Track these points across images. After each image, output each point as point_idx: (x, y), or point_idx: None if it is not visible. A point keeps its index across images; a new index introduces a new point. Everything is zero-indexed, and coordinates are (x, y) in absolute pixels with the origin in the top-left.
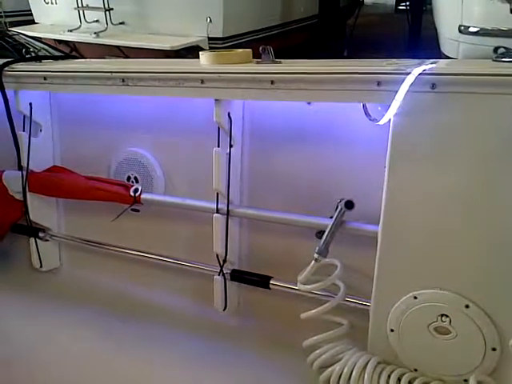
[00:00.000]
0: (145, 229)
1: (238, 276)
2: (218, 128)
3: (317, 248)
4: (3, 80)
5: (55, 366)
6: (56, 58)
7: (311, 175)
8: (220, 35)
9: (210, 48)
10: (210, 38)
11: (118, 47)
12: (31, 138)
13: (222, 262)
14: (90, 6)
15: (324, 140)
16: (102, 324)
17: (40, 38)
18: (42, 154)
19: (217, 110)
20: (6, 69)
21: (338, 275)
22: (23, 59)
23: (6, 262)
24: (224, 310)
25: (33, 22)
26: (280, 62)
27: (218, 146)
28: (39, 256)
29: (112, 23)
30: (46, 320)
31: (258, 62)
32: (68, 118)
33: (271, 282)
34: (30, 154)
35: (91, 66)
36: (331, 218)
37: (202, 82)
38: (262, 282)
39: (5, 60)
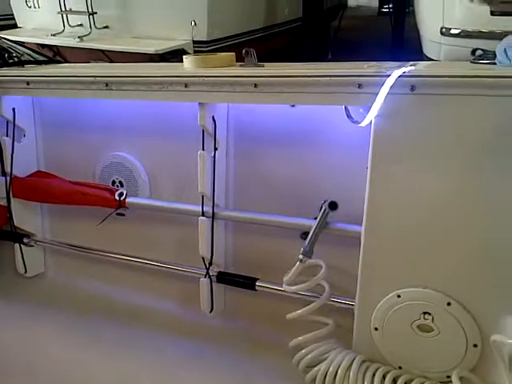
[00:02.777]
0: (130, 233)
1: (224, 278)
2: (203, 131)
3: (301, 249)
4: None
5: (41, 372)
6: (39, 63)
7: (295, 177)
8: (205, 38)
9: (195, 51)
10: (194, 42)
11: (102, 51)
12: (15, 143)
13: (207, 265)
14: (73, 10)
15: (308, 142)
16: (87, 329)
17: (23, 42)
18: (25, 159)
19: (201, 114)
20: None
21: (323, 276)
22: (5, 64)
23: None
24: (210, 311)
25: (15, 26)
26: (263, 66)
27: (203, 149)
28: (24, 262)
29: (96, 27)
30: (31, 325)
31: (241, 66)
32: (52, 123)
33: (257, 283)
34: (13, 159)
35: (74, 71)
36: (315, 219)
37: (186, 85)
38: (248, 283)
39: None
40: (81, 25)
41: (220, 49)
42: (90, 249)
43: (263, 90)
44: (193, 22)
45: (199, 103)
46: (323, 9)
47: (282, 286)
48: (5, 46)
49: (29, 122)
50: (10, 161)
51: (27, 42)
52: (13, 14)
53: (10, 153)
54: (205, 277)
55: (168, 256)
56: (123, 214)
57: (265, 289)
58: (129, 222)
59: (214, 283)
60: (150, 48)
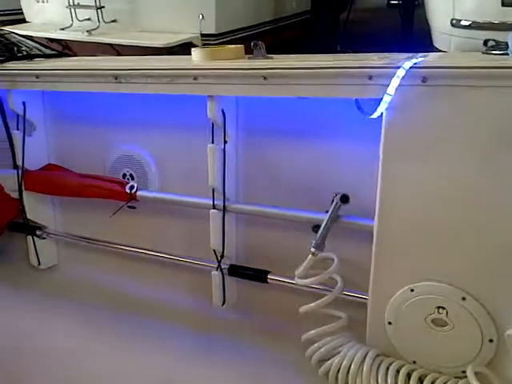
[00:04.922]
0: (142, 225)
1: (236, 271)
2: (212, 124)
3: (313, 242)
4: None
5: (54, 363)
6: (48, 57)
7: (306, 170)
8: (213, 32)
9: (204, 45)
10: (203, 35)
11: (110, 45)
12: (25, 137)
13: (219, 258)
14: (81, 4)
15: (318, 134)
16: (100, 320)
17: (32, 36)
18: (36, 153)
19: (210, 106)
20: None
21: (335, 269)
22: (14, 58)
23: (3, 261)
24: (222, 304)
25: (24, 21)
26: (272, 58)
27: (213, 142)
28: (37, 254)
29: (104, 21)
30: (44, 317)
31: (250, 58)
32: (62, 116)
33: (269, 276)
34: (24, 152)
35: (83, 64)
36: (327, 212)
37: (195, 78)
38: (259, 276)
39: None
40: (89, 19)
41: (228, 42)
42: (102, 241)
43: (272, 83)
44: (200, 15)
45: (208, 96)
46: (332, 1)
47: (293, 279)
48: (14, 40)
49: (39, 116)
50: (21, 154)
51: (36, 37)
52: (21, 9)
53: (21, 146)
54: (216, 270)
55: (179, 248)
56: (134, 207)
57: (277, 282)
58: (140, 215)
59: (225, 276)
60: (159, 42)
